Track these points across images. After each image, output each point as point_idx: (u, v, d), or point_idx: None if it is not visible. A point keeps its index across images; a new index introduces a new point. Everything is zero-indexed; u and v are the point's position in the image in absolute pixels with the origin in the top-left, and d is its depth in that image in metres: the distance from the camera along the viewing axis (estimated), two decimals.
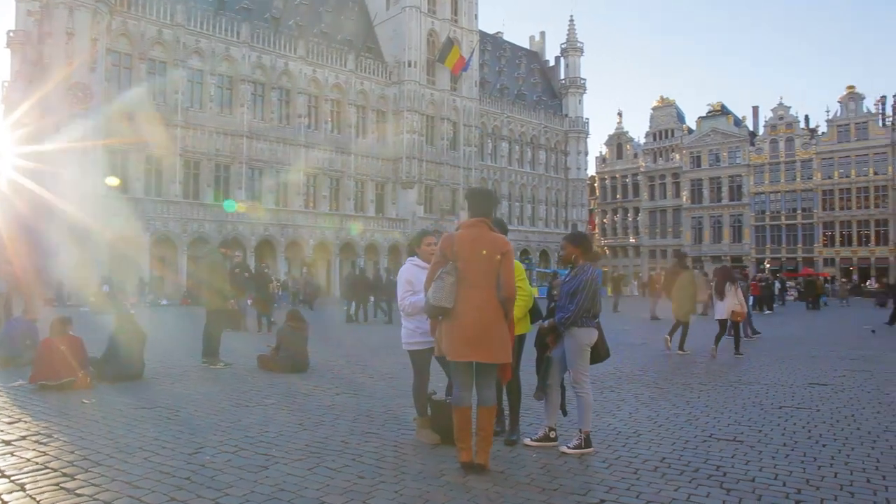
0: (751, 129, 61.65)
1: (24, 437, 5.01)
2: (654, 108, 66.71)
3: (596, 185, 70.48)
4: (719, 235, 61.12)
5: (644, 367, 9.53)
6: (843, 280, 43.16)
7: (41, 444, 4.83)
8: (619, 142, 69.53)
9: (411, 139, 46.86)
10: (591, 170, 67.65)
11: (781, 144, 58.05)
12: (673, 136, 64.59)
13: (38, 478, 4.04)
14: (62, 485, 3.91)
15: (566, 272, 5.16)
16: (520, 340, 5.13)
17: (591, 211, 65.90)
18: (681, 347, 11.23)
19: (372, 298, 20.34)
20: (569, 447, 4.75)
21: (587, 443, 4.77)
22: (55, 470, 4.18)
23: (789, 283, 40.25)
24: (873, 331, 17.17)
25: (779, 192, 58.06)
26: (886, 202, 52.95)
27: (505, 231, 4.90)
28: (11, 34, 42.16)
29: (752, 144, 59.76)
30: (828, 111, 56.90)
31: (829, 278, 43.07)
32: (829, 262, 54.73)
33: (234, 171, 39.61)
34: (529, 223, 56.87)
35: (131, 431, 5.22)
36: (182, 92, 37.12)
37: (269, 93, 41.37)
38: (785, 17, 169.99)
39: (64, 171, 31.80)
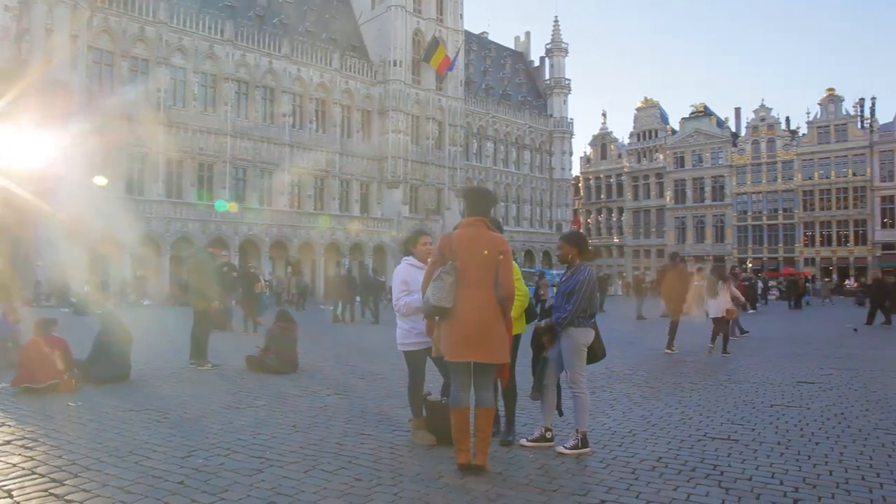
0: (733, 130, 62.32)
1: (8, 442, 4.88)
2: (638, 109, 67.18)
3: (580, 185, 70.82)
4: (702, 235, 61.70)
5: (634, 366, 9.56)
6: (826, 280, 43.73)
7: (27, 448, 4.71)
8: (603, 142, 69.94)
9: (396, 139, 46.70)
10: (576, 170, 68.00)
11: (763, 145, 58.73)
12: (657, 136, 65.09)
13: (26, 484, 3.93)
14: (51, 490, 3.81)
15: (562, 272, 5.14)
16: (515, 340, 5.10)
17: (575, 211, 66.20)
18: (668, 347, 11.28)
19: (358, 299, 20.23)
20: (566, 447, 4.73)
21: (584, 443, 4.76)
22: (43, 475, 4.08)
23: (771, 283, 40.72)
24: (855, 329, 17.45)
25: (760, 192, 58.73)
26: (865, 203, 53.76)
27: (500, 231, 4.87)
28: None
29: (735, 145, 60.41)
30: (808, 113, 57.75)
31: (810, 278, 43.59)
32: (809, 261, 55.46)
33: (218, 171, 39.21)
34: (514, 223, 56.96)
35: (120, 435, 5.11)
36: (165, 90, 36.64)
37: (253, 91, 41.00)
38: (767, 20, 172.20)
39: (43, 171, 31.30)
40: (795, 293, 30.14)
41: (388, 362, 9.91)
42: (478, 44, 60.58)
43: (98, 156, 33.96)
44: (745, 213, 59.44)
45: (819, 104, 56.74)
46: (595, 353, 4.96)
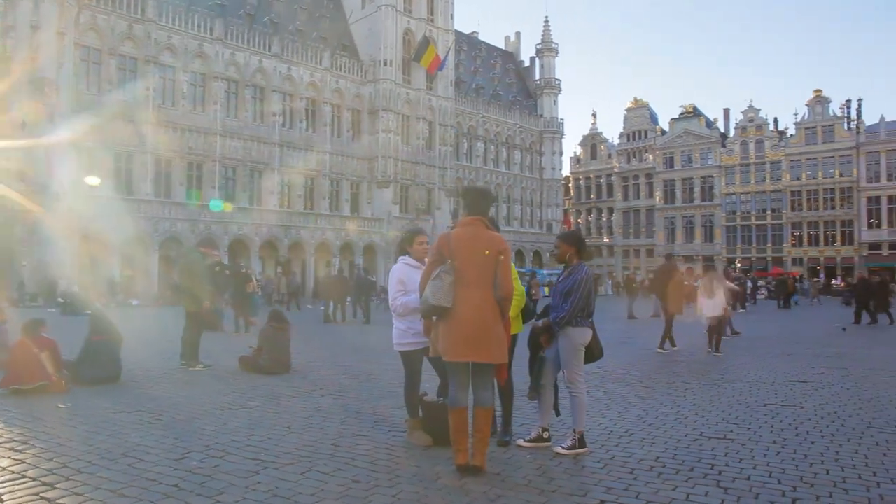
0: (722, 130, 62.74)
1: None
2: (628, 110, 67.48)
3: (570, 185, 71.03)
4: (691, 235, 62.07)
5: (627, 365, 9.57)
6: (815, 280, 44.10)
7: (16, 451, 4.63)
8: (593, 142, 70.19)
9: (387, 138, 46.64)
10: (566, 170, 68.25)
11: (752, 146, 59.16)
12: (646, 136, 65.41)
13: (16, 487, 3.85)
14: (42, 494, 3.74)
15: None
16: (512, 340, 5.07)
17: (565, 211, 66.39)
18: (661, 346, 11.33)
19: (349, 299, 20.16)
20: (563, 447, 4.71)
21: (581, 443, 4.74)
22: (33, 479, 4.00)
23: (760, 283, 40.99)
24: (844, 329, 17.60)
25: (749, 192, 59.16)
26: (851, 203, 54.29)
27: (497, 230, 4.85)
28: None
29: (724, 146, 60.81)
30: (796, 114, 58.23)
31: (798, 277, 43.96)
32: (797, 261, 55.93)
33: (208, 170, 38.98)
34: (505, 223, 56.99)
35: (112, 437, 5.04)
36: (153, 89, 36.39)
37: (242, 90, 40.81)
38: (755, 21, 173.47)
39: (28, 169, 30.97)
40: (784, 293, 30.36)
41: (381, 362, 9.87)
42: (468, 44, 60.61)
43: (85, 154, 33.67)
44: (734, 213, 59.86)
45: (806, 105, 57.29)
46: (592, 352, 4.95)
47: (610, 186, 68.13)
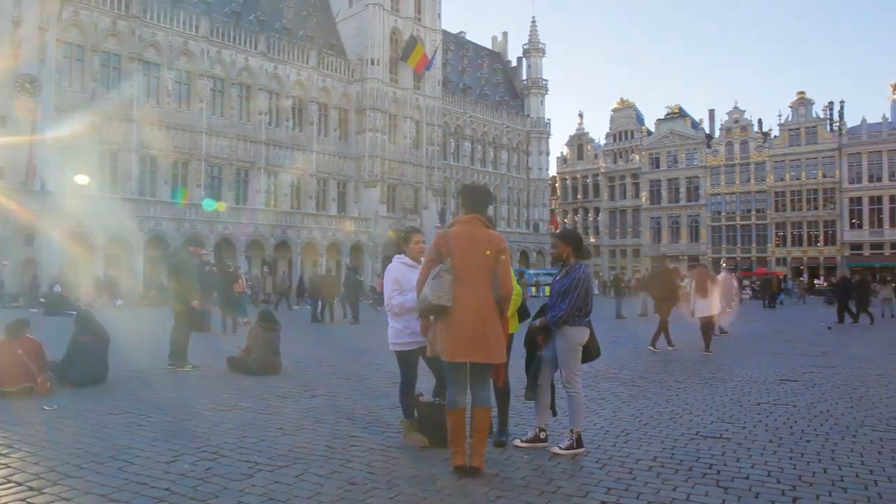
0: (707, 131, 63.24)
1: None
2: (615, 110, 67.82)
3: (557, 185, 71.24)
4: (677, 235, 62.51)
5: (618, 365, 9.57)
6: (801, 279, 44.59)
7: (1, 455, 4.50)
8: (579, 142, 70.46)
9: (374, 138, 46.44)
10: (553, 170, 68.40)
11: (736, 147, 59.70)
12: (632, 137, 65.77)
13: (1, 493, 3.74)
14: (29, 500, 3.63)
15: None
16: (509, 340, 5.02)
17: (552, 211, 66.58)
18: (652, 344, 11.37)
19: (338, 298, 20.05)
20: (560, 448, 4.68)
21: (579, 443, 4.71)
22: (20, 484, 3.88)
23: (745, 283, 41.36)
24: (829, 328, 17.81)
25: (734, 193, 59.70)
26: (834, 204, 54.95)
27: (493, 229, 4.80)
28: None
29: (709, 147, 61.31)
30: (780, 115, 58.87)
31: (782, 277, 44.43)
32: (781, 261, 56.52)
33: (193, 168, 38.58)
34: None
35: (100, 439, 4.92)
36: (138, 86, 35.91)
37: (228, 89, 40.42)
38: (740, 24, 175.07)
39: (8, 167, 30.49)
40: (769, 293, 30.66)
41: (372, 363, 9.80)
42: (455, 43, 60.56)
43: (69, 152, 33.19)
44: (719, 213, 60.38)
45: (790, 107, 57.91)
46: (590, 352, 4.92)
47: (596, 186, 68.44)
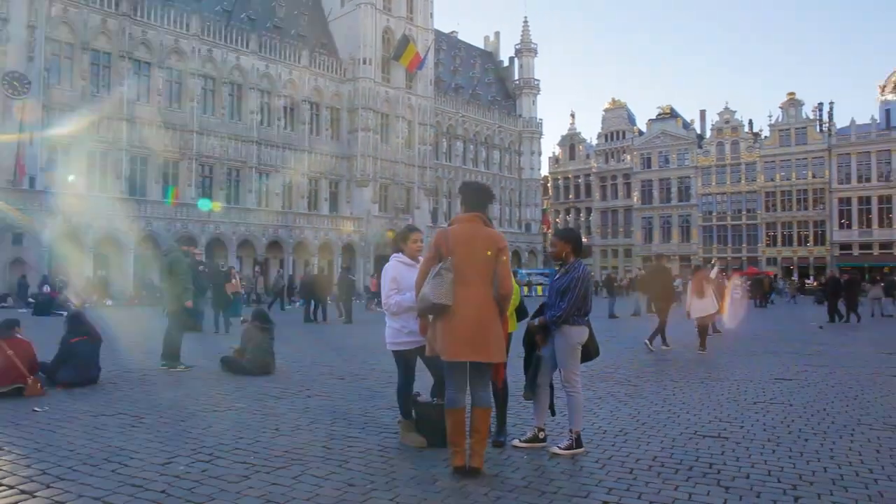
0: (698, 132, 63.51)
1: None
2: (606, 110, 68.00)
3: (549, 185, 71.35)
4: (668, 235, 62.75)
5: (614, 364, 9.55)
6: (793, 279, 44.87)
7: None
8: (571, 143, 70.59)
9: (366, 137, 46.33)
10: (545, 170, 68.53)
11: (727, 147, 59.99)
12: (624, 137, 65.97)
13: None
14: (21, 503, 3.56)
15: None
16: (507, 340, 4.99)
17: (544, 211, 66.67)
18: (649, 341, 11.41)
19: (331, 299, 19.96)
20: (560, 448, 4.65)
21: (578, 443, 4.68)
22: (11, 487, 3.81)
23: (736, 282, 41.50)
24: (820, 327, 17.93)
25: (725, 193, 60.01)
26: (824, 204, 55.34)
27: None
28: None
29: (700, 147, 61.58)
30: (770, 116, 59.19)
31: (773, 277, 44.71)
32: (771, 261, 56.85)
33: (184, 168, 38.32)
34: None
35: (94, 441, 4.85)
36: (128, 85, 35.60)
37: (219, 87, 40.19)
38: (732, 24, 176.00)
39: None
40: (761, 292, 30.82)
41: (366, 362, 9.75)
42: (447, 43, 60.53)
43: (56, 151, 32.90)
44: (710, 213, 60.66)
45: (780, 108, 58.25)
46: (589, 351, 4.89)
47: (588, 186, 68.60)
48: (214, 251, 37.80)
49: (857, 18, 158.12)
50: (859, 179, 54.05)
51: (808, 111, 57.26)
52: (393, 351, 4.87)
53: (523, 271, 45.71)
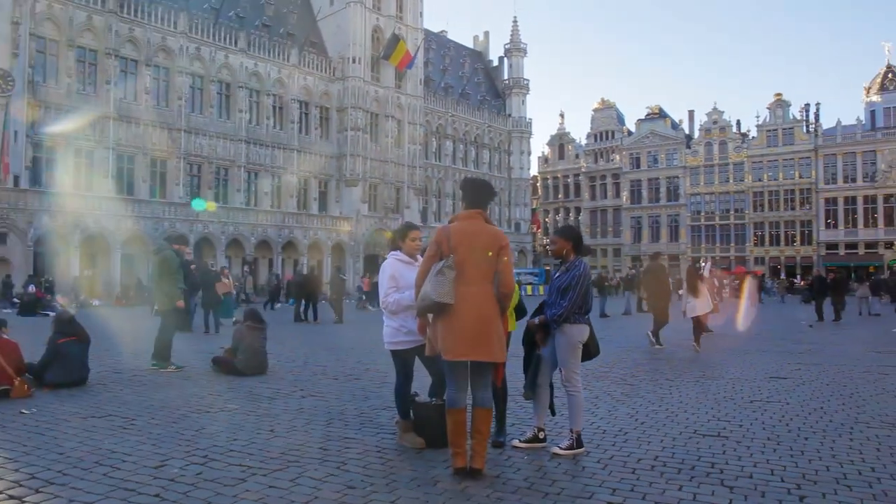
0: (687, 132, 63.85)
1: None
2: (595, 110, 68.18)
3: (538, 184, 71.46)
4: (657, 235, 63.03)
5: (608, 363, 9.52)
6: (782, 278, 45.19)
7: None
8: (561, 142, 70.73)
9: (355, 136, 46.16)
10: (534, 170, 68.62)
11: (715, 147, 60.36)
12: (613, 137, 66.18)
13: None
14: None
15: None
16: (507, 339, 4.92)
17: (533, 210, 66.77)
18: (654, 338, 11.48)
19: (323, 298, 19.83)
20: (561, 448, 4.59)
21: (578, 443, 4.63)
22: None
23: (724, 281, 41.74)
24: (810, 326, 18.03)
25: (713, 193, 60.38)
26: (810, 204, 55.83)
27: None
28: None
29: (689, 147, 61.92)
30: (758, 117, 59.63)
31: (761, 276, 45.03)
32: (759, 260, 57.27)
33: (172, 167, 37.96)
34: None
35: (84, 444, 4.73)
36: (115, 83, 35.21)
37: (208, 86, 39.85)
38: (720, 24, 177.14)
39: None
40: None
41: (359, 362, 9.66)
42: (437, 42, 60.45)
43: (41, 149, 32.48)
44: (699, 213, 61.02)
45: (768, 108, 58.68)
46: (589, 350, 4.84)
47: (577, 186, 68.76)
48: (203, 251, 37.52)
49: (844, 20, 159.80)
50: (845, 180, 54.57)
51: (794, 112, 57.78)
52: (391, 351, 4.79)
53: (514, 270, 45.71)
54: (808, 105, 57.96)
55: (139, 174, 36.57)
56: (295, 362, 9.66)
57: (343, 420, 5.67)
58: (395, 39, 47.79)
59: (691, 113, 65.20)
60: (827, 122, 57.32)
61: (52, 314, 14.32)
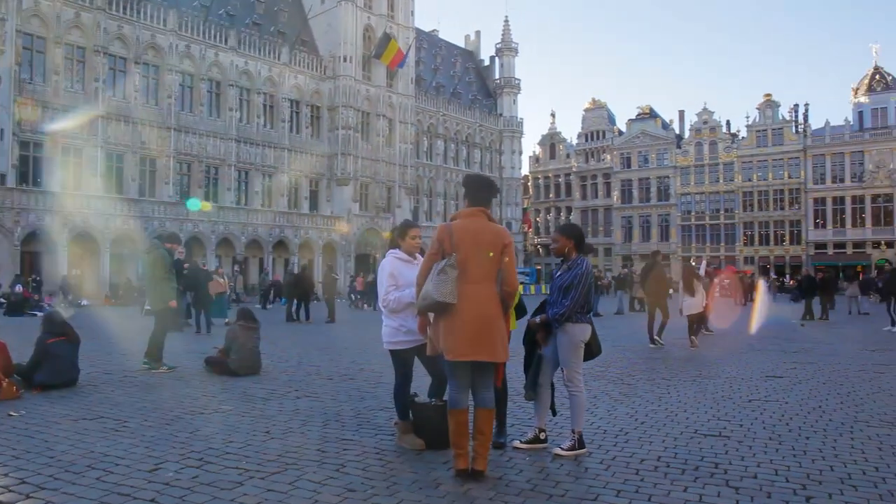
0: (677, 132, 64.11)
1: None
2: (586, 110, 68.32)
3: (529, 184, 71.53)
4: (648, 234, 63.25)
5: (604, 363, 9.45)
6: (774, 277, 45.48)
7: None
8: (552, 142, 70.83)
9: (346, 135, 45.98)
10: (525, 169, 68.66)
11: (706, 147, 60.65)
12: (604, 137, 66.34)
13: None
14: None
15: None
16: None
17: (524, 210, 66.80)
18: (658, 336, 11.50)
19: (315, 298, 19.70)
20: (562, 448, 4.53)
21: (580, 443, 4.57)
22: None
23: (715, 280, 41.92)
24: (802, 324, 18.12)
25: (703, 193, 60.68)
26: (799, 204, 56.23)
27: None
28: None
29: (679, 147, 62.18)
30: (747, 117, 59.99)
31: (750, 275, 45.27)
32: (749, 260, 57.60)
33: (161, 165, 37.64)
34: None
35: (75, 447, 4.61)
36: (104, 80, 34.85)
37: (198, 84, 39.56)
38: (709, 26, 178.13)
39: None
40: (742, 290, 31.13)
41: (353, 362, 9.57)
42: (428, 41, 60.36)
43: (28, 147, 32.10)
44: (689, 212, 61.30)
45: (757, 109, 59.04)
46: (591, 349, 4.78)
47: (568, 186, 68.89)
48: (193, 250, 37.22)
49: (833, 21, 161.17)
50: (833, 180, 55.00)
51: (784, 112, 58.17)
52: (390, 351, 4.71)
53: None
54: (797, 106, 58.51)
55: (129, 173, 36.24)
56: (288, 362, 9.55)
57: (340, 421, 5.59)
58: (387, 38, 47.66)
59: (681, 113, 65.60)
60: (816, 123, 57.91)
61: (39, 314, 14.13)
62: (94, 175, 34.32)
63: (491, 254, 3.90)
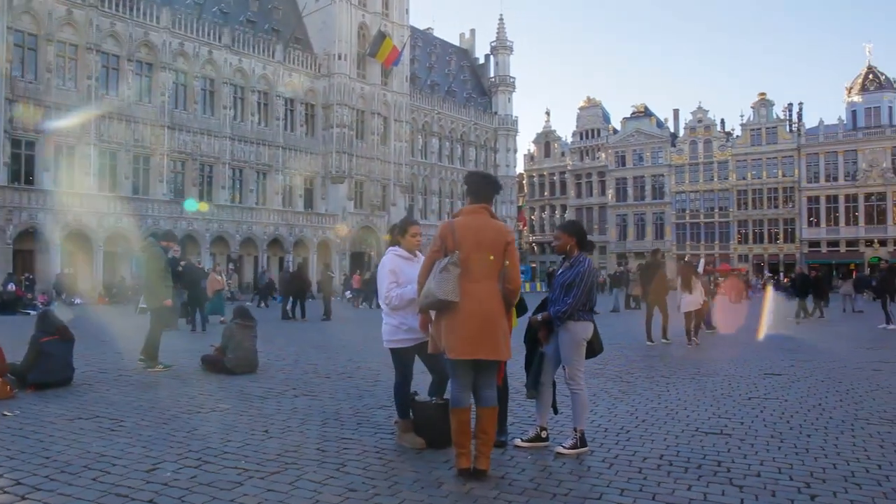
0: (672, 130, 64.24)
1: None
2: (581, 108, 68.37)
3: (524, 182, 71.54)
4: (642, 232, 63.37)
5: (602, 360, 9.38)
6: (769, 275, 45.63)
7: None
8: (547, 140, 70.87)
9: (341, 133, 45.83)
10: (520, 167, 68.66)
11: (700, 146, 60.80)
12: (599, 135, 66.41)
13: None
14: None
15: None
16: None
17: (519, 208, 66.81)
18: (664, 336, 11.48)
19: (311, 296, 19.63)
20: (565, 447, 4.50)
21: (582, 442, 4.54)
22: None
23: (711, 278, 42.05)
24: (797, 322, 18.17)
25: (698, 191, 60.83)
26: (793, 202, 56.44)
27: None
28: None
29: (674, 145, 62.30)
30: (742, 116, 60.15)
31: (744, 273, 45.53)
32: (743, 258, 57.82)
33: (155, 163, 37.42)
34: None
35: (71, 447, 4.55)
36: (96, 77, 34.60)
37: (192, 82, 39.31)
38: (704, 25, 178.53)
39: None
40: (738, 288, 31.16)
41: (351, 360, 9.52)
42: (423, 40, 60.23)
43: (20, 145, 31.84)
44: (684, 211, 61.45)
45: (752, 107, 59.23)
46: (592, 347, 4.75)
47: (563, 184, 68.94)
48: (187, 248, 36.99)
49: (827, 21, 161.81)
50: (827, 178, 55.22)
51: (778, 111, 58.35)
52: (391, 349, 4.67)
53: None
54: (791, 105, 58.73)
55: (122, 171, 35.99)
56: (285, 360, 9.49)
57: (339, 420, 5.54)
58: (382, 36, 47.52)
59: (676, 112, 65.68)
60: (809, 122, 58.21)
61: (32, 313, 14.02)
62: (87, 173, 34.07)
63: (492, 257, 3.86)
